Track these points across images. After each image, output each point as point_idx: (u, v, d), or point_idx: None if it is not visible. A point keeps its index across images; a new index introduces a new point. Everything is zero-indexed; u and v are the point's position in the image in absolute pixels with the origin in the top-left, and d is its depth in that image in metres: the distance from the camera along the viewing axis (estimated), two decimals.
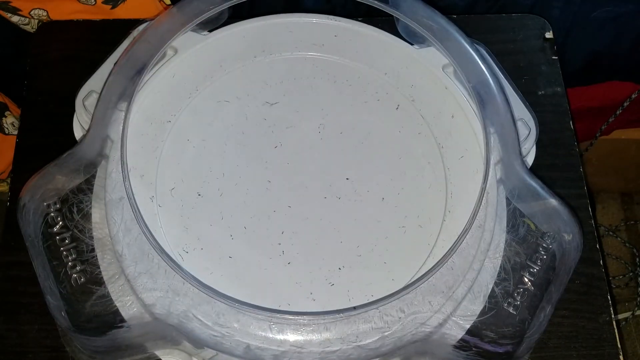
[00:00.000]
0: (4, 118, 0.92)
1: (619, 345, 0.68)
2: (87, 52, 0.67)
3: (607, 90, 1.14)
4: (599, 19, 0.96)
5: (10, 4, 0.82)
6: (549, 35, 0.82)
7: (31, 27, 0.86)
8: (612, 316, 0.69)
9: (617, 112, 1.15)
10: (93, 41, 0.68)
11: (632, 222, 1.55)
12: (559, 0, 0.93)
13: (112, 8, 0.83)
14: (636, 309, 1.42)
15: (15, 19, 0.85)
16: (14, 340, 0.66)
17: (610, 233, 1.50)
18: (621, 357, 0.67)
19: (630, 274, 1.46)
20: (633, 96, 1.10)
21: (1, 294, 0.68)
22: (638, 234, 1.54)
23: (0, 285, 0.68)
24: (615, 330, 0.68)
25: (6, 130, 0.92)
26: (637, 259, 1.48)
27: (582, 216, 0.73)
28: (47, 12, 0.83)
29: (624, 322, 1.43)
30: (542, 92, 0.79)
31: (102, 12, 0.84)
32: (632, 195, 1.59)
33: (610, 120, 1.17)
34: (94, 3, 0.83)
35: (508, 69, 0.69)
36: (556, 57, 0.81)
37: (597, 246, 0.72)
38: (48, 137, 0.64)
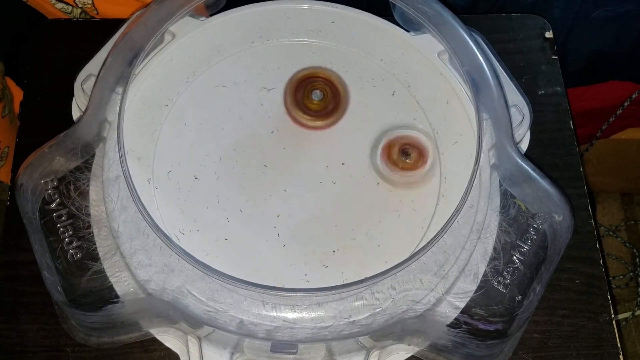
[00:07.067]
0: None
1: (619, 345, 0.68)
2: (87, 52, 0.68)
3: (607, 90, 1.14)
4: (600, 19, 0.96)
5: None
6: (549, 35, 0.83)
7: (73, 16, 0.86)
8: (612, 316, 0.69)
9: (618, 112, 1.15)
10: (93, 41, 0.69)
11: (632, 222, 1.55)
12: None
13: None
14: (636, 309, 1.42)
15: (59, 5, 0.85)
16: (13, 339, 0.67)
17: (610, 233, 1.50)
18: (621, 357, 0.68)
19: (630, 274, 1.46)
20: (633, 96, 1.11)
21: (1, 294, 0.69)
22: (638, 234, 1.54)
23: (0, 285, 0.69)
24: (615, 330, 0.68)
25: None
26: (637, 259, 1.48)
27: (582, 216, 0.73)
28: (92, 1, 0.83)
29: (624, 322, 1.43)
30: (542, 91, 0.80)
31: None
32: (632, 195, 1.58)
33: (611, 120, 1.17)
34: None
35: (508, 69, 0.70)
36: (556, 57, 0.82)
37: (597, 246, 0.72)
38: (48, 136, 0.65)
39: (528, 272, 0.58)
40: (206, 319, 0.57)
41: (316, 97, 0.66)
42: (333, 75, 0.68)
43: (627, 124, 1.25)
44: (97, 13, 0.85)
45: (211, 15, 0.71)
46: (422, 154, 0.64)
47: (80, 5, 0.83)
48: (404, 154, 0.64)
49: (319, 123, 0.66)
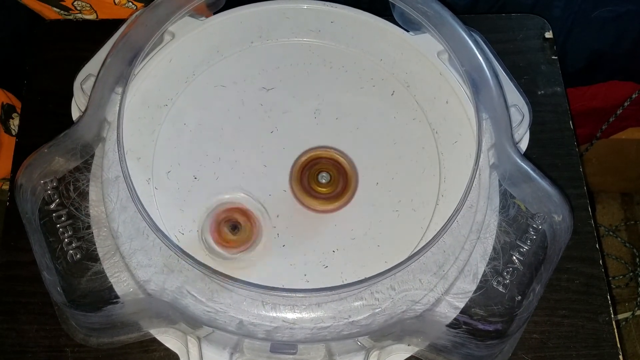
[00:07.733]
0: (11, 120, 0.93)
1: (619, 345, 0.68)
2: (87, 52, 0.68)
3: (607, 90, 1.14)
4: (600, 19, 0.97)
5: None
6: (548, 35, 0.83)
7: (73, 17, 0.86)
8: (612, 316, 0.69)
9: (618, 112, 1.15)
10: (93, 41, 0.69)
11: (632, 222, 1.55)
12: None
13: None
14: (636, 309, 1.42)
15: (57, 9, 0.85)
16: (13, 339, 0.67)
17: (610, 233, 1.50)
18: (621, 357, 0.67)
19: (630, 274, 1.46)
20: (633, 96, 1.11)
21: (1, 294, 0.68)
22: (638, 234, 1.54)
23: (0, 285, 0.69)
24: (615, 330, 0.68)
25: (13, 131, 0.92)
26: (637, 259, 1.48)
27: (582, 216, 0.73)
28: (90, 5, 0.83)
29: (623, 322, 1.43)
30: (542, 92, 0.80)
31: None
32: (632, 195, 1.59)
33: (611, 120, 1.17)
34: (135, 8, 0.83)
35: (508, 69, 0.70)
36: (556, 57, 0.81)
37: (597, 246, 0.72)
38: (48, 136, 0.65)
39: (528, 272, 0.58)
40: (206, 319, 0.57)
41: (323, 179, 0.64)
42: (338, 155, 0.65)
43: (627, 124, 1.25)
44: (97, 17, 0.85)
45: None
46: (252, 223, 0.62)
47: (78, 8, 0.83)
48: (232, 228, 0.61)
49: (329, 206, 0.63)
